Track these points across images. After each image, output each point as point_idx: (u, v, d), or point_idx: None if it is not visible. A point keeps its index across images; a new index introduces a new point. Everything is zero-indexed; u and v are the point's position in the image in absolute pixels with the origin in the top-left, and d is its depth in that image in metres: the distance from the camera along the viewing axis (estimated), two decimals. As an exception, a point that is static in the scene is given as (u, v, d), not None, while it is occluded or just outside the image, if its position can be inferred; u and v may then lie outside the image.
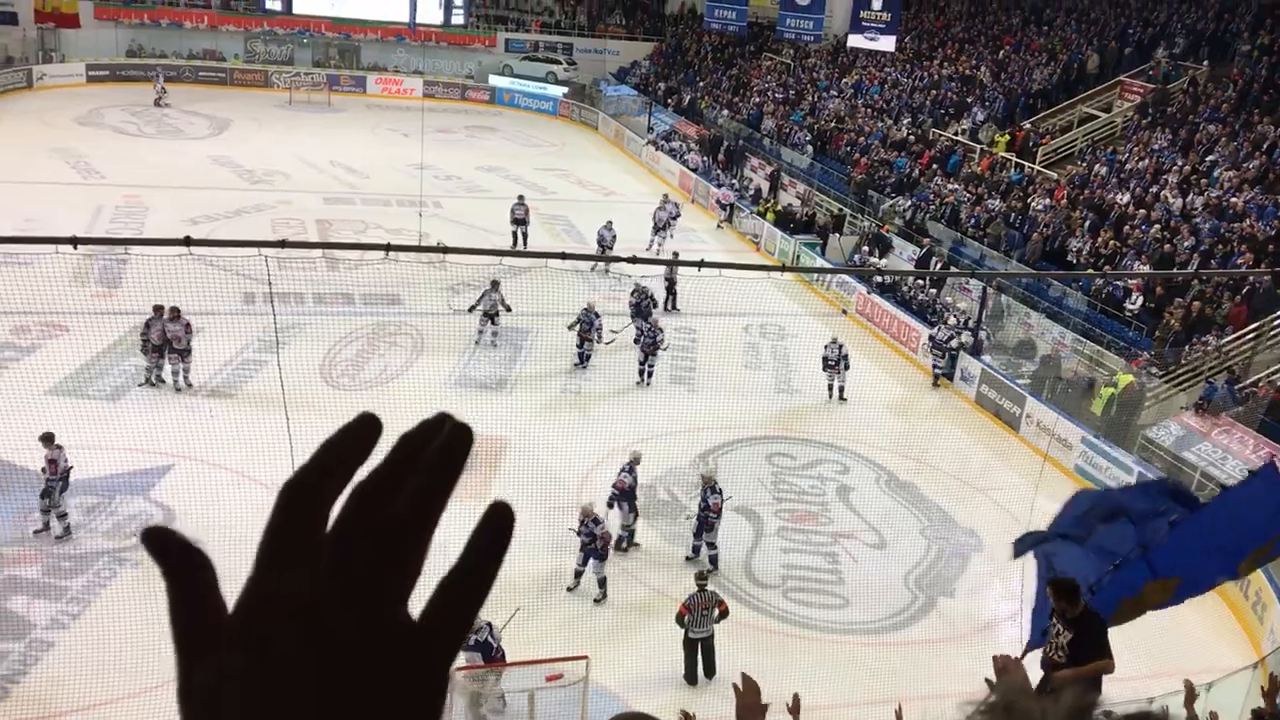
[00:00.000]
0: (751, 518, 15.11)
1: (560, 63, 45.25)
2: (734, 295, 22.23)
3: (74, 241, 8.56)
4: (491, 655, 10.64)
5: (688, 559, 13.92)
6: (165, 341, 16.95)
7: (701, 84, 41.47)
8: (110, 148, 31.67)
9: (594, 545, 13.03)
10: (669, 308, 22.29)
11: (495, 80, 45.12)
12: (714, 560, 13.79)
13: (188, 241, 8.28)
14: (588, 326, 19.24)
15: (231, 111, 37.68)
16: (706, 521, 13.81)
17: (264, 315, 18.67)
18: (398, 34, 44.31)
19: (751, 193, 31.11)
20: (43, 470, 12.99)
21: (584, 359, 19.27)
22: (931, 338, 20.30)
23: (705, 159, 34.08)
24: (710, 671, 11.81)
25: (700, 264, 9.87)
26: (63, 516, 13.18)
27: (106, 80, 40.47)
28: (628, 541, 14.07)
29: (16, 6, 40.35)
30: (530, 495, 14.91)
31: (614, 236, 24.09)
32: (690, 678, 11.81)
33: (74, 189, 27.08)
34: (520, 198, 26.24)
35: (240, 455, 14.59)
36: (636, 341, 19.10)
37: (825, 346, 19.21)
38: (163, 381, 17.11)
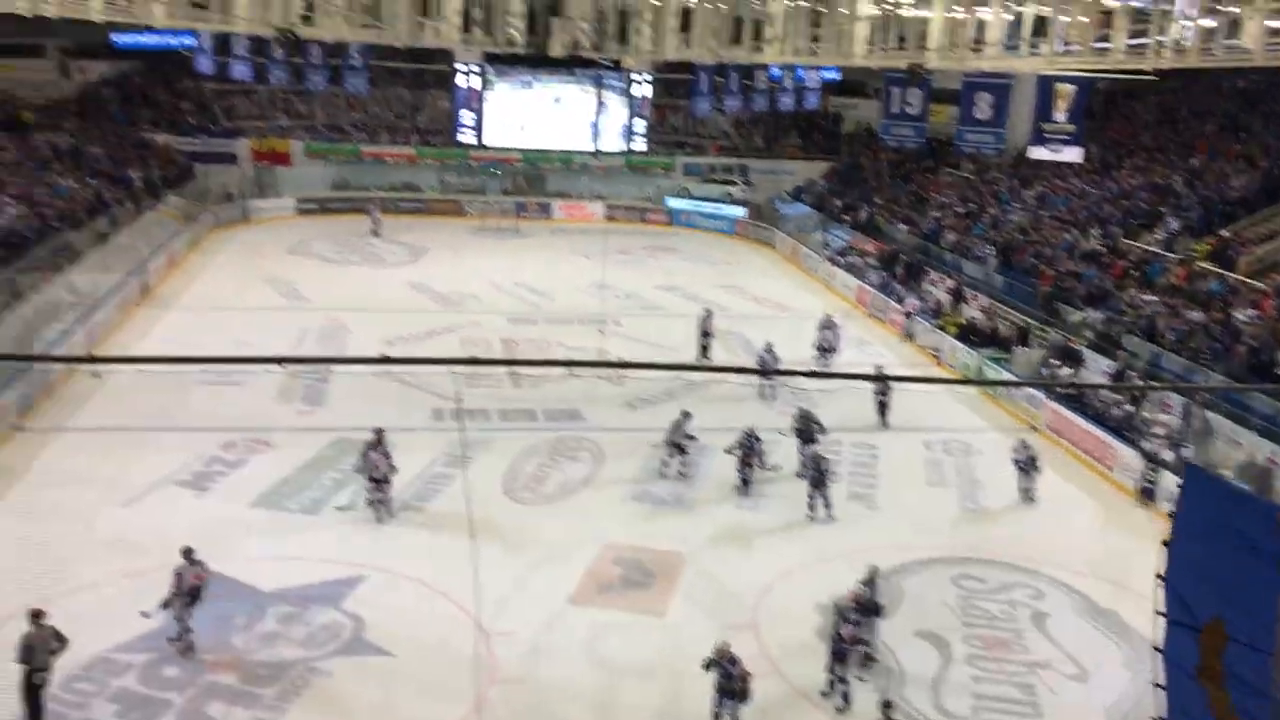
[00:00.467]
0: (938, 644, 14.43)
1: (736, 183, 46.14)
2: (915, 410, 21.79)
3: (280, 360, 9.12)
4: None
5: (823, 694, 13.04)
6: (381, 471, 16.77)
7: (878, 200, 41.43)
8: (316, 275, 33.85)
9: (730, 685, 12.05)
10: (883, 425, 21.97)
11: (673, 202, 46.30)
12: (846, 697, 12.76)
13: (385, 360, 8.72)
14: (748, 450, 18.38)
15: (427, 239, 39.84)
16: (839, 652, 12.82)
17: (451, 432, 19.38)
18: (581, 163, 46.10)
19: (931, 307, 30.60)
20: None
21: (745, 484, 18.43)
22: (1142, 450, 19.37)
23: (883, 274, 33.83)
24: None
25: (880, 377, 9.69)
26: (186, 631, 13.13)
27: (314, 213, 43.53)
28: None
29: (236, 148, 44.25)
30: (707, 611, 14.73)
31: (776, 359, 22.73)
32: None
33: (282, 313, 28.97)
34: (708, 310, 26.65)
35: (428, 567, 14.96)
36: (800, 475, 18.16)
37: (1013, 449, 18.91)
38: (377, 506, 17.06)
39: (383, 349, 18.45)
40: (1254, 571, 5.76)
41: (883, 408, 21.87)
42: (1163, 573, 6.23)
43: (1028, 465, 18.67)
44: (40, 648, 11.52)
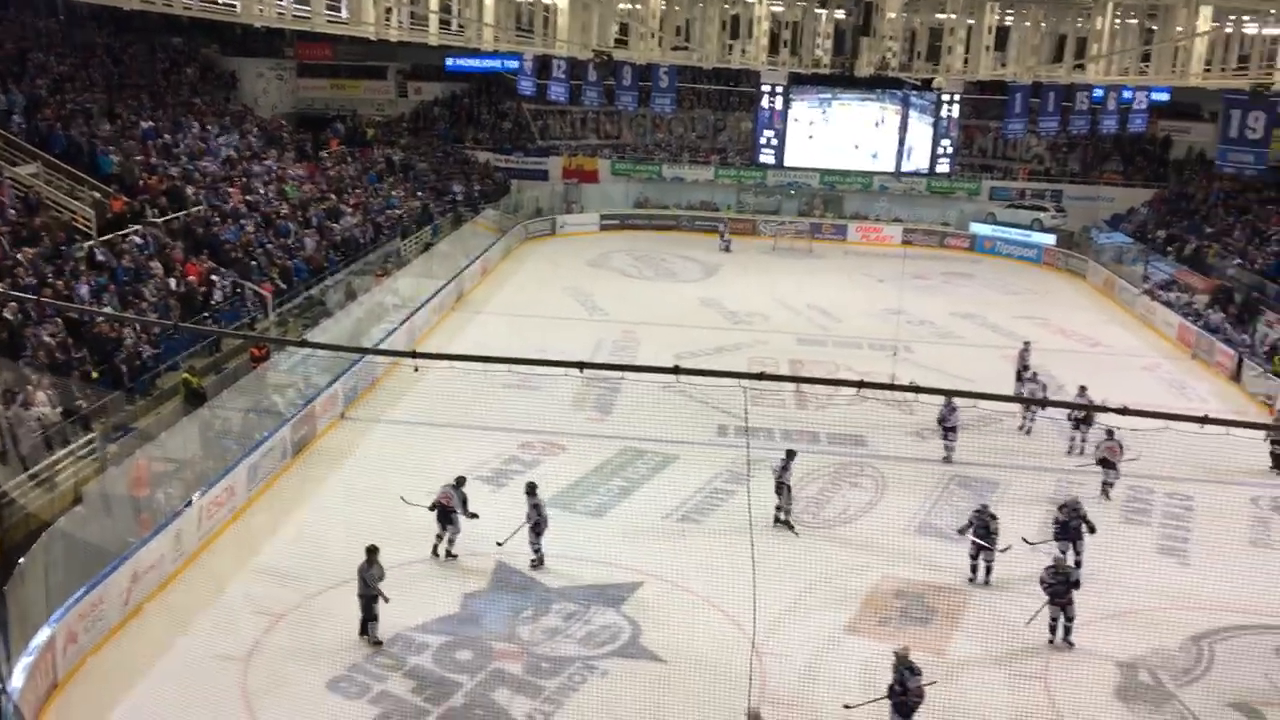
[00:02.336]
0: (1255, 718, 13.04)
1: (1047, 210, 43.86)
2: (1239, 461, 19.87)
3: (580, 365, 9.45)
4: None
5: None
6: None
7: (1209, 231, 38.17)
8: (613, 288, 35.07)
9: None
10: (1277, 467, 20.49)
11: (976, 227, 44.61)
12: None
13: (676, 370, 8.84)
14: (982, 531, 15.93)
15: (721, 257, 40.40)
16: (905, 707, 11.95)
17: (734, 448, 19.49)
18: (882, 184, 45.35)
19: (1266, 349, 27.81)
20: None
21: (975, 570, 16.02)
22: None
23: (1213, 311, 31.10)
24: None
25: (1204, 419, 8.89)
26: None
27: (616, 228, 45.16)
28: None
29: (548, 166, 46.71)
30: (991, 655, 14.05)
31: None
32: None
33: (580, 323, 30.20)
34: (1027, 343, 25.54)
35: (705, 580, 15.08)
36: (1044, 584, 14.37)
37: None
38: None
39: (672, 362, 18.77)
40: None
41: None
42: None
43: None
44: (372, 577, 13.71)
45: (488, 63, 44.54)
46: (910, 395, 18.93)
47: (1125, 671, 13.85)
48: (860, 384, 9.65)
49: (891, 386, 15.32)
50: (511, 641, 14.05)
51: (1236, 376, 27.05)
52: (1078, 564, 15.80)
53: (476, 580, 15.52)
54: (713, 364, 24.55)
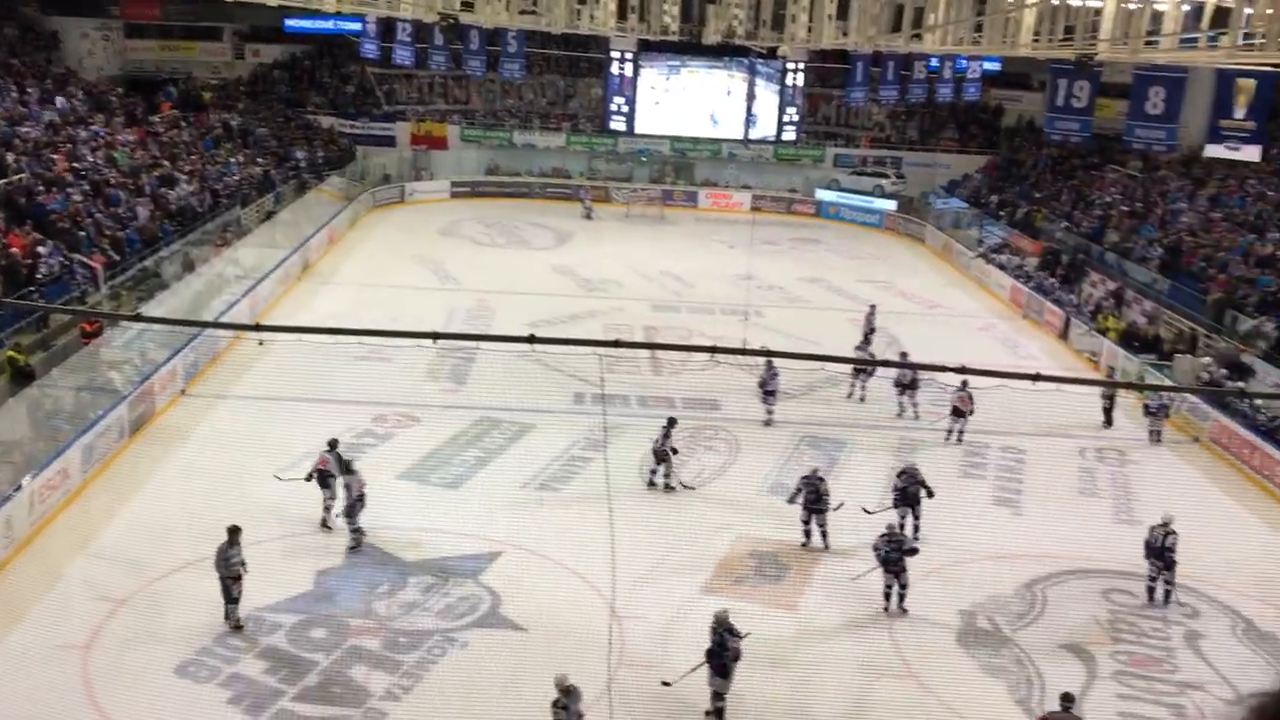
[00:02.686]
0: (1084, 658, 13.88)
1: (888, 176, 45.22)
2: (1068, 415, 20.98)
3: (434, 336, 9.32)
4: None
5: (706, 714, 12.28)
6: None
7: (1038, 196, 40.02)
8: (465, 256, 34.64)
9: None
10: (1106, 425, 21.78)
11: (822, 194, 45.69)
12: (720, 714, 12.16)
13: (531, 340, 8.80)
14: (813, 496, 16.06)
15: (574, 224, 40.32)
16: (723, 668, 11.99)
17: (591, 415, 19.57)
18: (731, 151, 45.94)
19: (1090, 309, 29.42)
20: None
21: (808, 535, 16.10)
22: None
23: (1041, 273, 32.68)
24: None
25: (1036, 377, 9.34)
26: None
27: (467, 196, 44.55)
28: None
29: (396, 132, 45.68)
30: (840, 608, 14.53)
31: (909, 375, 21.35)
32: None
33: (432, 293, 29.75)
34: (873, 306, 26.29)
35: (564, 547, 15.16)
36: (877, 552, 14.39)
37: (1151, 529, 15.37)
38: None
39: (527, 331, 18.75)
40: None
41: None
42: None
43: (1161, 553, 15.08)
44: (233, 558, 13.31)
45: (329, 24, 43.14)
46: (762, 359, 19.38)
47: (965, 618, 14.55)
48: (713, 349, 9.82)
49: (744, 351, 15.64)
50: (368, 617, 13.84)
51: (1064, 335, 28.54)
52: (916, 529, 16.12)
53: (330, 557, 15.20)
54: (568, 332, 24.54)
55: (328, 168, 40.97)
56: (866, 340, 25.41)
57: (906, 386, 21.54)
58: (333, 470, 15.75)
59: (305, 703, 12.11)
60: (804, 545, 16.10)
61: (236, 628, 13.30)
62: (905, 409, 21.69)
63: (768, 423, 20.71)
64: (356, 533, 15.39)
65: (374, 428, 19.65)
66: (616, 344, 10.08)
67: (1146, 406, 20.88)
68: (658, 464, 17.84)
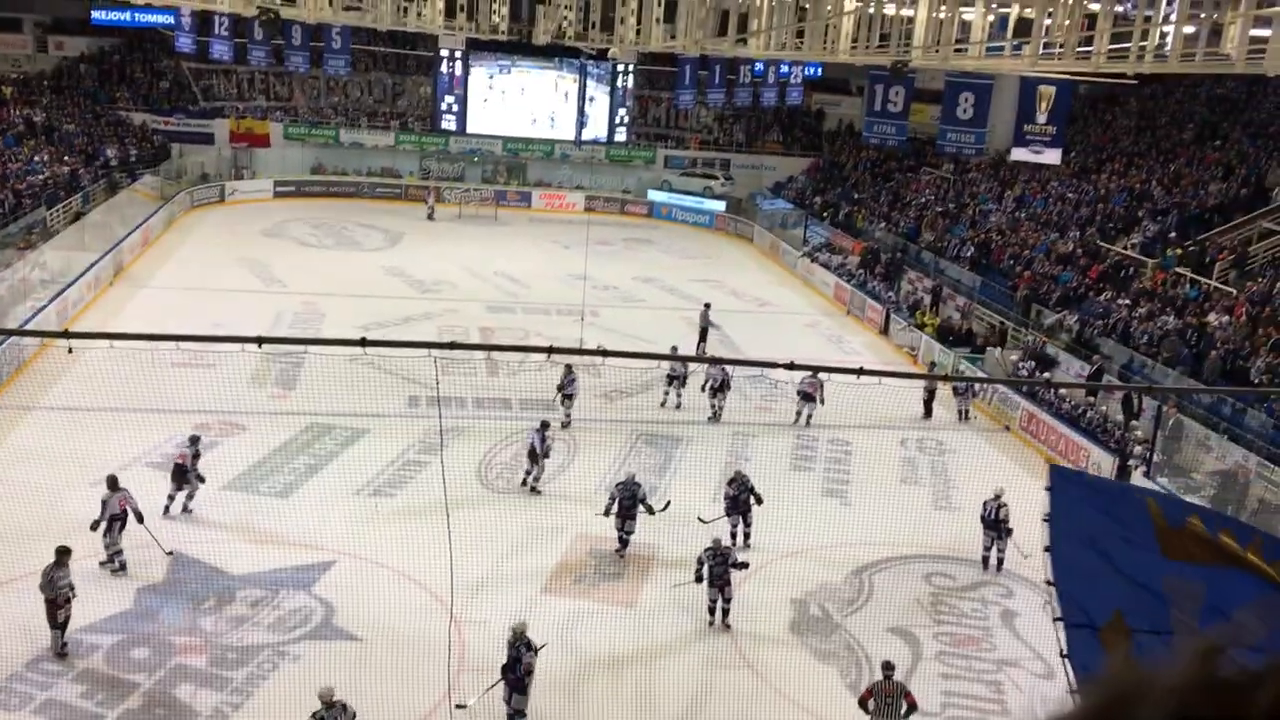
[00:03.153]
0: (909, 639, 14.51)
1: (717, 177, 46.13)
2: (891, 408, 21.86)
3: (259, 340, 9.01)
4: None
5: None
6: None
7: (858, 197, 41.55)
8: (292, 258, 33.61)
9: (515, 670, 11.55)
10: (926, 413, 22.87)
11: (654, 194, 46.26)
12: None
13: (363, 342, 8.62)
14: (629, 501, 15.75)
15: (405, 225, 39.62)
16: (519, 684, 11.70)
17: (426, 419, 19.29)
18: (563, 151, 46.01)
19: (908, 305, 30.73)
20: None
21: (624, 544, 15.80)
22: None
23: (862, 272, 33.95)
24: None
25: (860, 371, 9.71)
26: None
27: (291, 196, 43.19)
28: None
29: (214, 128, 43.86)
30: (679, 603, 14.74)
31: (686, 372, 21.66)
32: None
33: (258, 296, 28.76)
34: (707, 305, 26.64)
35: (399, 554, 14.89)
36: (699, 564, 14.08)
37: (985, 503, 16.45)
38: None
39: (359, 334, 18.39)
40: (1138, 559, 5.80)
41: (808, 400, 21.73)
42: (1050, 578, 6.15)
43: (996, 525, 16.24)
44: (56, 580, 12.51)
45: (140, 16, 41.10)
46: (598, 359, 19.49)
47: (797, 607, 15.02)
48: (550, 350, 9.83)
49: (580, 351, 15.71)
50: (193, 634, 13.30)
51: (885, 330, 29.74)
52: (746, 536, 16.23)
53: (151, 573, 14.53)
54: (401, 334, 24.11)
55: (141, 166, 39.06)
56: (702, 338, 25.87)
57: (717, 390, 21.46)
58: (188, 464, 16.08)
59: (127, 727, 11.55)
60: (619, 553, 15.84)
61: (61, 654, 12.56)
62: (715, 411, 21.50)
63: (565, 425, 20.47)
64: (114, 557, 14.48)
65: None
66: (451, 345, 9.98)
67: (955, 388, 22.94)
68: (531, 465, 17.82)
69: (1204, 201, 29.71)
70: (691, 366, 21.70)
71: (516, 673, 11.66)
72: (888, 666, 11.86)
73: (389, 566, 14.86)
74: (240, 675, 12.58)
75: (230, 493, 16.97)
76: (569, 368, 20.42)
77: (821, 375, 19.51)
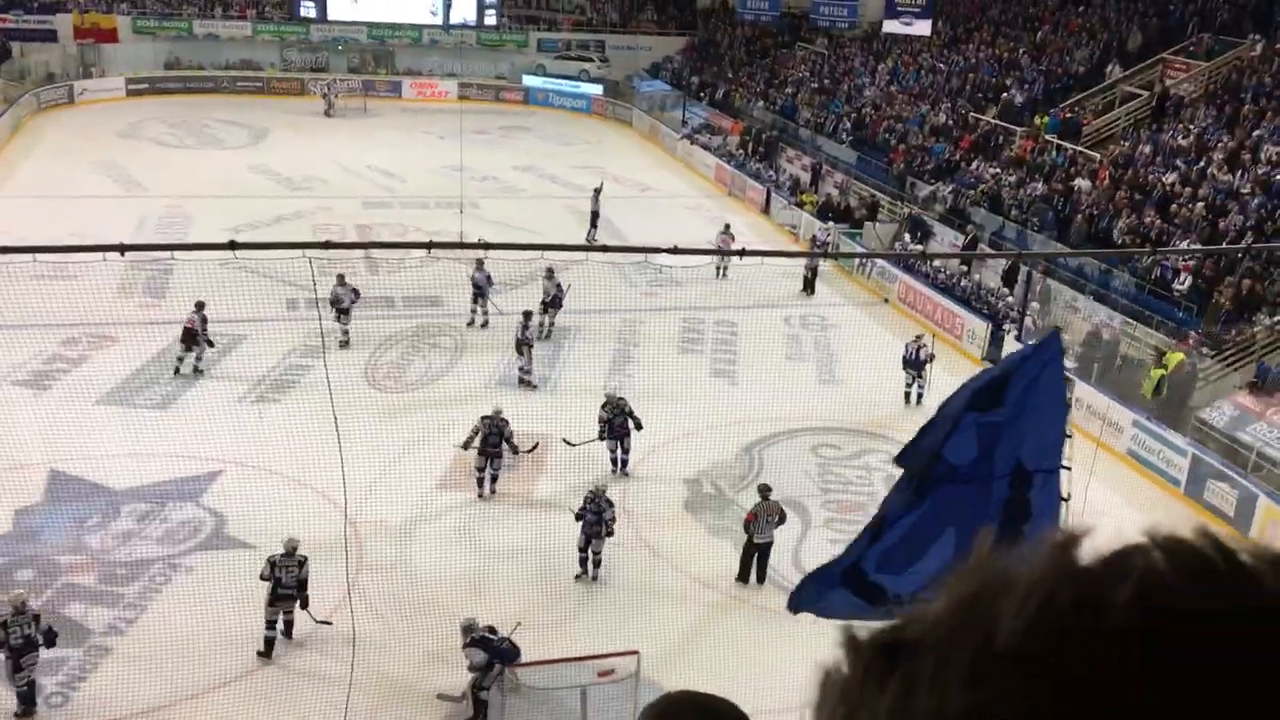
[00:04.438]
0: (799, 509, 14.98)
1: (593, 60, 45.25)
2: (773, 286, 22.17)
3: (122, 249, 8.64)
4: (498, 653, 10.54)
5: (576, 577, 13.23)
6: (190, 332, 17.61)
7: (734, 76, 41.30)
8: (151, 159, 32.06)
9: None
10: (807, 290, 23.10)
11: (529, 80, 45.19)
12: (598, 564, 13.20)
13: (232, 246, 8.32)
14: (495, 438, 14.63)
15: (269, 120, 37.99)
16: (598, 533, 13.05)
17: (306, 321, 18.84)
18: (432, 38, 44.51)
19: (788, 184, 30.93)
20: None
21: (482, 484, 14.71)
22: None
23: (741, 151, 33.96)
24: (762, 578, 13.22)
25: (743, 252, 9.77)
26: None
27: (146, 93, 40.95)
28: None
29: (57, 24, 41.08)
30: (574, 490, 14.91)
31: (557, 287, 19.92)
32: (744, 578, 13.25)
33: (117, 201, 27.44)
34: (598, 188, 26.20)
35: (289, 459, 14.69)
36: (576, 517, 13.20)
37: (906, 345, 18.32)
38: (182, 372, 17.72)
39: (228, 237, 17.76)
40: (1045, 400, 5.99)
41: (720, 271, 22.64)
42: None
43: (920, 364, 18.03)
44: None
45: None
46: (480, 251, 19.25)
47: (691, 486, 15.35)
48: (430, 245, 9.64)
49: (461, 245, 15.47)
50: (79, 553, 13.00)
51: (766, 210, 29.93)
52: (625, 462, 15.44)
53: (26, 494, 14.05)
54: (273, 235, 23.34)
55: (-22, 67, 36.53)
56: (593, 224, 25.59)
57: (548, 305, 20.11)
58: (197, 328, 17.24)
59: (17, 651, 11.29)
60: (479, 495, 14.82)
61: None
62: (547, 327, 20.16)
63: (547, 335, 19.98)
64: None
65: (64, 351, 18.15)
66: (327, 245, 9.73)
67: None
68: (519, 355, 18.01)
69: (1069, 68, 30.35)
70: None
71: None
72: (765, 489, 13.30)
73: (279, 473, 14.66)
74: (132, 590, 12.39)
75: (106, 407, 16.44)
76: (550, 271, 19.63)
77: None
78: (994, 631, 0.58)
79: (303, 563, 11.60)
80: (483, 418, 14.70)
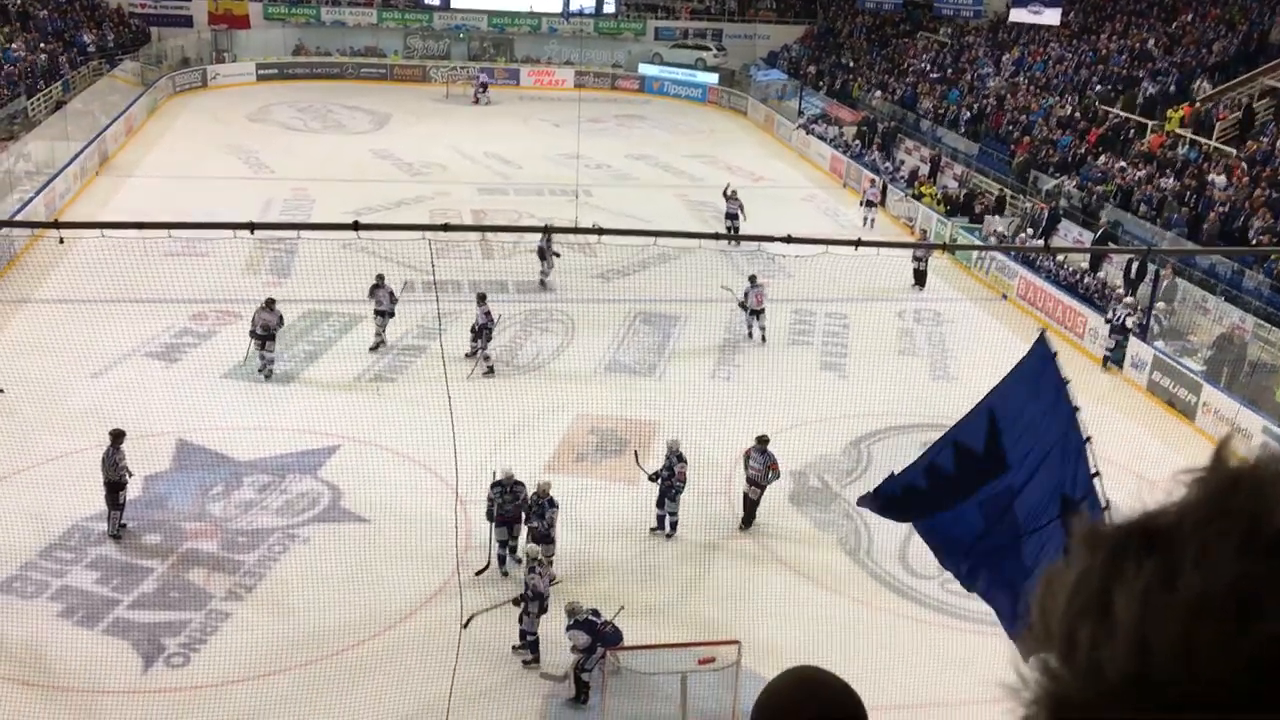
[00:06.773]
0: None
1: (709, 49, 45.09)
2: (887, 279, 21.81)
3: (251, 227, 8.93)
4: (601, 636, 10.63)
5: (652, 530, 13.77)
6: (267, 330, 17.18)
7: (854, 65, 40.70)
8: (279, 143, 33.06)
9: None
10: (918, 283, 22.77)
11: (645, 69, 45.27)
12: (674, 526, 13.66)
13: (355, 226, 8.54)
14: (510, 504, 12.89)
15: (391, 106, 38.85)
16: (671, 489, 13.55)
17: (422, 303, 19.23)
18: (551, 25, 44.91)
19: (906, 175, 30.38)
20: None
21: (504, 560, 12.98)
22: (1108, 320, 19.53)
23: (858, 142, 33.47)
24: (747, 524, 13.87)
25: (858, 243, 9.63)
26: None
27: (275, 79, 42.27)
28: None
29: (192, 10, 42.66)
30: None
31: (485, 314, 18.06)
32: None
33: (246, 183, 28.38)
34: (729, 187, 25.87)
35: (402, 437, 15.03)
36: (655, 480, 13.60)
37: (1114, 309, 19.33)
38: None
39: (350, 219, 18.25)
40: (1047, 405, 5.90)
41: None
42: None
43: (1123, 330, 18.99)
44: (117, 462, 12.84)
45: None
46: (594, 237, 19.38)
47: (797, 479, 15.21)
48: (546, 229, 9.72)
49: (576, 230, 15.57)
50: (203, 520, 13.51)
51: (882, 201, 29.42)
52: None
53: (156, 462, 14.65)
54: (393, 218, 23.89)
55: (120, 52, 38.11)
56: (730, 222, 25.26)
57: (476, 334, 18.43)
58: (274, 327, 17.11)
59: (143, 609, 11.83)
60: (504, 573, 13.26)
61: (115, 535, 12.84)
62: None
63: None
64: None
65: (193, 326, 18.87)
66: (445, 228, 9.90)
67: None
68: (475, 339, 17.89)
69: (1205, 60, 29.11)
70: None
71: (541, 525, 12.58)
72: (762, 439, 13.65)
73: (392, 450, 15.01)
74: (251, 558, 12.82)
75: (231, 380, 17.04)
76: (481, 298, 18.72)
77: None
78: (1261, 514, 0.63)
79: (518, 493, 12.73)
80: (493, 485, 12.91)
